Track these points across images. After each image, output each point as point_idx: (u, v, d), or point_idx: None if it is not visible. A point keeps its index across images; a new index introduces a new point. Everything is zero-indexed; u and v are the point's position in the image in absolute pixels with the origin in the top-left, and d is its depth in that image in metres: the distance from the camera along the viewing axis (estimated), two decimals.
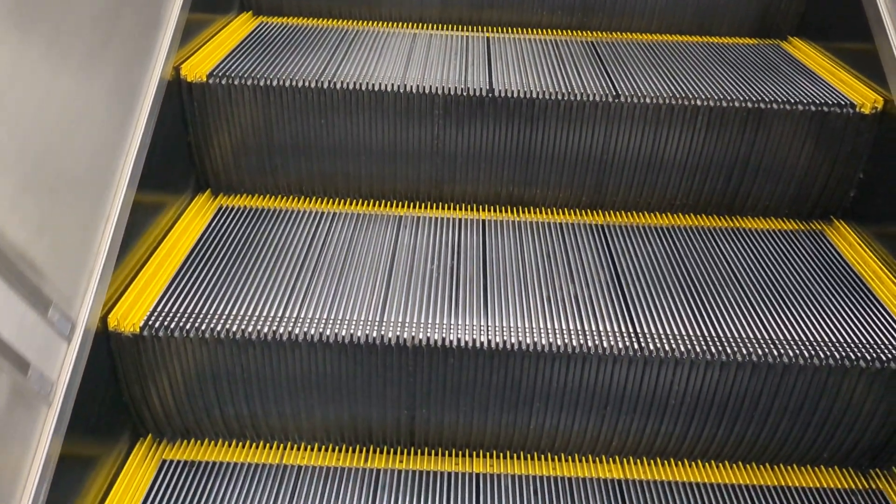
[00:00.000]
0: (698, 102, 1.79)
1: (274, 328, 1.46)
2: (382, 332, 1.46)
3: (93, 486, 1.40)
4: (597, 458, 1.60)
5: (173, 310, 1.49)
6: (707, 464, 1.60)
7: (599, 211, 1.94)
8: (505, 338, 1.46)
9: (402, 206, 1.93)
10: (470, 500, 1.50)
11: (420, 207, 1.93)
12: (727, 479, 1.57)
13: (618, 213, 1.93)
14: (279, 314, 1.50)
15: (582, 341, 1.46)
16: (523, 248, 1.75)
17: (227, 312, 1.49)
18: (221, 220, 1.79)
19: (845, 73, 1.93)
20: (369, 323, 1.49)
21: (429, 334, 1.47)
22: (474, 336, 1.47)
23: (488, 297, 1.58)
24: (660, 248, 1.78)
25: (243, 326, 1.46)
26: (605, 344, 1.46)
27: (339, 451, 1.60)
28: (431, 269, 1.66)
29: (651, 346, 1.45)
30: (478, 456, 1.60)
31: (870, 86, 1.83)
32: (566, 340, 1.46)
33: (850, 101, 1.78)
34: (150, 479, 1.51)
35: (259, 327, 1.46)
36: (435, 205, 1.94)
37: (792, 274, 1.70)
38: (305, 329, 1.46)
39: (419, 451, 1.61)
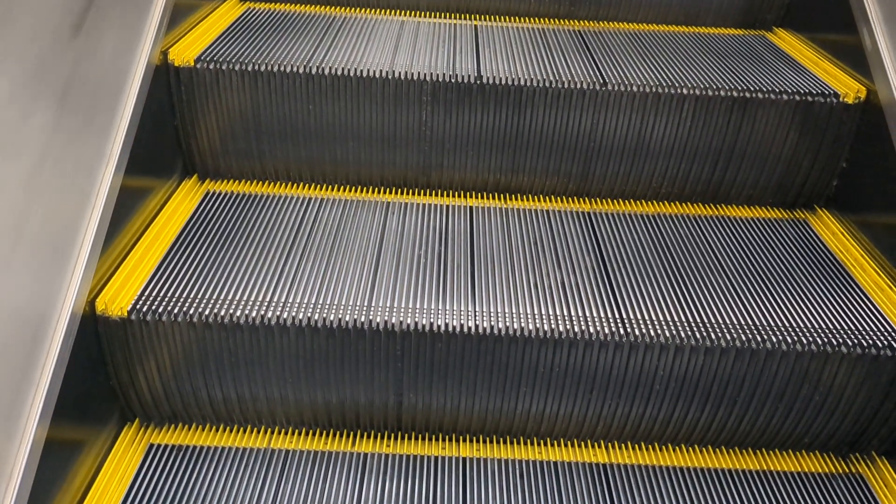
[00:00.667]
0: (684, 91, 1.80)
1: (262, 312, 1.46)
2: (371, 317, 1.47)
3: (80, 471, 1.40)
4: (582, 443, 1.62)
5: (161, 293, 1.49)
6: (691, 448, 1.62)
7: (586, 198, 1.95)
8: (492, 323, 1.48)
9: (390, 193, 1.93)
10: (456, 484, 1.51)
11: (408, 194, 1.94)
12: (711, 464, 1.59)
13: (604, 200, 1.95)
14: (267, 298, 1.50)
15: (568, 326, 1.48)
16: (511, 235, 1.76)
17: (214, 296, 1.49)
18: (209, 205, 1.79)
19: (829, 64, 1.95)
20: (357, 307, 1.50)
21: (416, 319, 1.48)
22: (462, 321, 1.48)
23: (476, 282, 1.59)
24: (645, 235, 1.79)
25: (231, 310, 1.46)
26: (591, 329, 1.47)
27: (326, 435, 1.61)
28: (419, 254, 1.67)
29: (636, 332, 1.47)
30: (464, 440, 1.61)
31: (853, 76, 1.85)
32: (553, 325, 1.48)
33: (834, 91, 1.80)
34: (138, 463, 1.51)
35: (247, 311, 1.46)
36: (423, 191, 1.95)
37: (775, 261, 1.72)
38: (294, 313, 1.46)
39: (406, 435, 1.62)
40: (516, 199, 1.93)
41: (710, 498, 1.51)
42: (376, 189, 1.94)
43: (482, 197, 1.93)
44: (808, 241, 1.80)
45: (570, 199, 1.95)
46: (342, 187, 1.93)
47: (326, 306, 1.49)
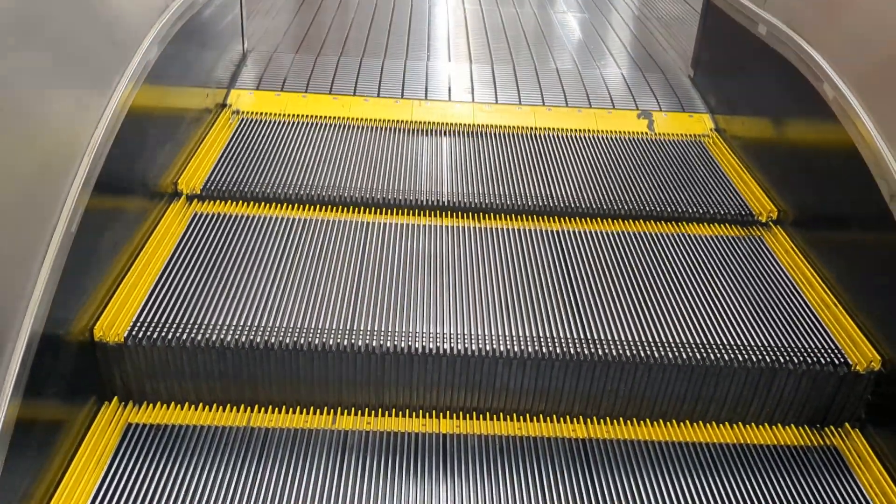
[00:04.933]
0: None
1: (251, 337, 1.55)
2: (352, 341, 1.57)
3: (58, 452, 1.40)
4: (561, 419, 1.67)
5: (155, 320, 1.58)
6: (668, 423, 1.68)
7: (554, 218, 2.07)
8: (466, 345, 1.58)
9: (370, 213, 2.03)
10: (437, 459, 1.55)
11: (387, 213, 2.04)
12: (688, 438, 1.64)
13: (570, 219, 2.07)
14: (255, 323, 1.59)
15: (536, 348, 1.59)
16: (482, 253, 1.87)
17: (206, 322, 1.58)
18: (197, 228, 1.88)
19: None
20: (339, 331, 1.59)
21: (395, 342, 1.58)
22: (438, 344, 1.58)
23: (459, 304, 1.71)
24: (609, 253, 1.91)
25: (222, 336, 1.55)
26: (557, 350, 1.59)
27: (307, 412, 1.63)
28: (399, 275, 1.78)
29: (599, 352, 1.59)
30: (444, 417, 1.66)
31: None
32: (522, 347, 1.59)
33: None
34: (116, 443, 1.51)
35: (237, 336, 1.55)
36: (401, 211, 2.05)
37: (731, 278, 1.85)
38: (280, 338, 1.56)
39: (386, 412, 1.66)
40: (488, 218, 2.05)
41: (688, 470, 1.56)
42: (357, 209, 2.05)
43: (456, 217, 2.05)
44: (763, 258, 1.93)
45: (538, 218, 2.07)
46: (324, 208, 2.03)
47: (311, 331, 1.58)
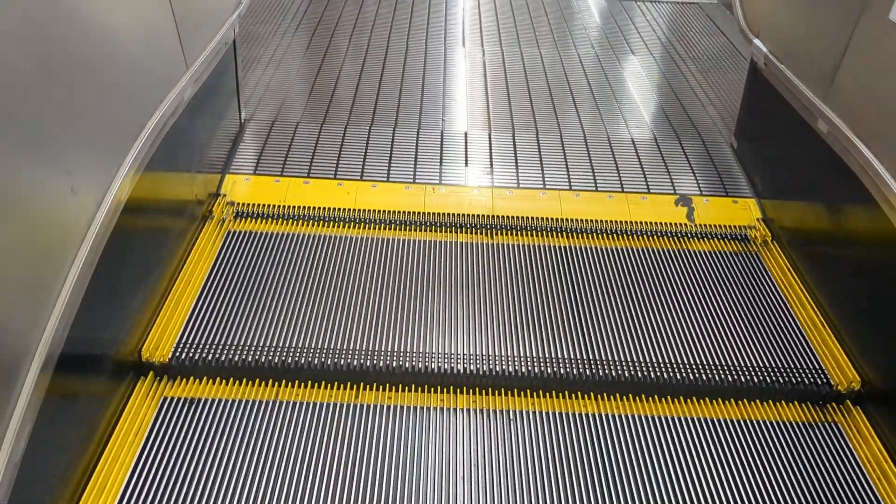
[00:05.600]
0: None
1: (282, 358, 1.72)
2: (374, 362, 1.73)
3: (100, 423, 1.50)
4: (572, 395, 1.73)
5: (197, 341, 1.74)
6: (676, 400, 1.73)
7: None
8: (478, 366, 1.74)
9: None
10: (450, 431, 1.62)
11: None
12: (694, 414, 1.69)
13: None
14: (285, 344, 1.75)
15: (543, 368, 1.74)
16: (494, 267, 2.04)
17: (243, 343, 1.75)
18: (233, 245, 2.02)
19: None
20: (362, 353, 1.74)
21: (413, 363, 1.73)
22: (453, 364, 1.74)
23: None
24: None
25: (257, 356, 1.72)
26: (562, 370, 1.73)
27: (331, 387, 1.71)
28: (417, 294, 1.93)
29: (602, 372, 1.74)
30: (461, 392, 1.72)
31: None
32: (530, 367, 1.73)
33: None
34: (153, 415, 1.61)
35: (270, 357, 1.72)
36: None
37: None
38: (309, 358, 1.72)
39: (406, 388, 1.73)
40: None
41: (694, 444, 1.61)
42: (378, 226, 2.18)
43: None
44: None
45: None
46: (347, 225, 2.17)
47: (336, 352, 1.74)
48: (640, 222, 2.27)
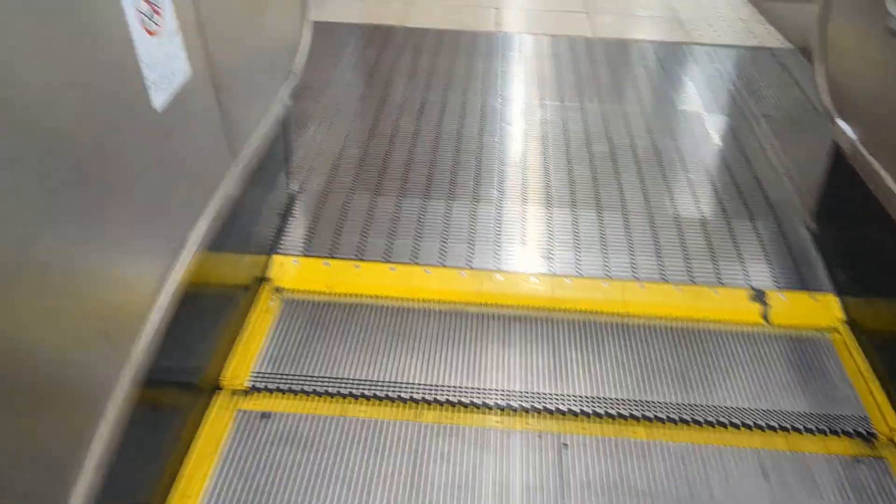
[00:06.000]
0: None
1: (349, 390, 1.87)
2: (435, 396, 1.87)
3: (181, 434, 1.67)
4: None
5: (269, 373, 1.90)
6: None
7: None
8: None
9: None
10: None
11: None
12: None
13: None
14: (351, 375, 1.91)
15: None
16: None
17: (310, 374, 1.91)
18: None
19: None
20: (424, 387, 1.89)
21: (471, 398, 1.87)
22: (499, 400, 1.86)
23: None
24: None
25: (325, 387, 1.88)
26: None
27: (392, 405, 1.86)
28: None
29: None
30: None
31: None
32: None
33: None
34: (229, 426, 1.77)
35: (337, 389, 1.87)
36: None
37: None
38: (375, 391, 1.87)
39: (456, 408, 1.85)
40: None
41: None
42: None
43: None
44: None
45: None
46: None
47: (400, 386, 1.89)
48: (711, 321, 2.12)
